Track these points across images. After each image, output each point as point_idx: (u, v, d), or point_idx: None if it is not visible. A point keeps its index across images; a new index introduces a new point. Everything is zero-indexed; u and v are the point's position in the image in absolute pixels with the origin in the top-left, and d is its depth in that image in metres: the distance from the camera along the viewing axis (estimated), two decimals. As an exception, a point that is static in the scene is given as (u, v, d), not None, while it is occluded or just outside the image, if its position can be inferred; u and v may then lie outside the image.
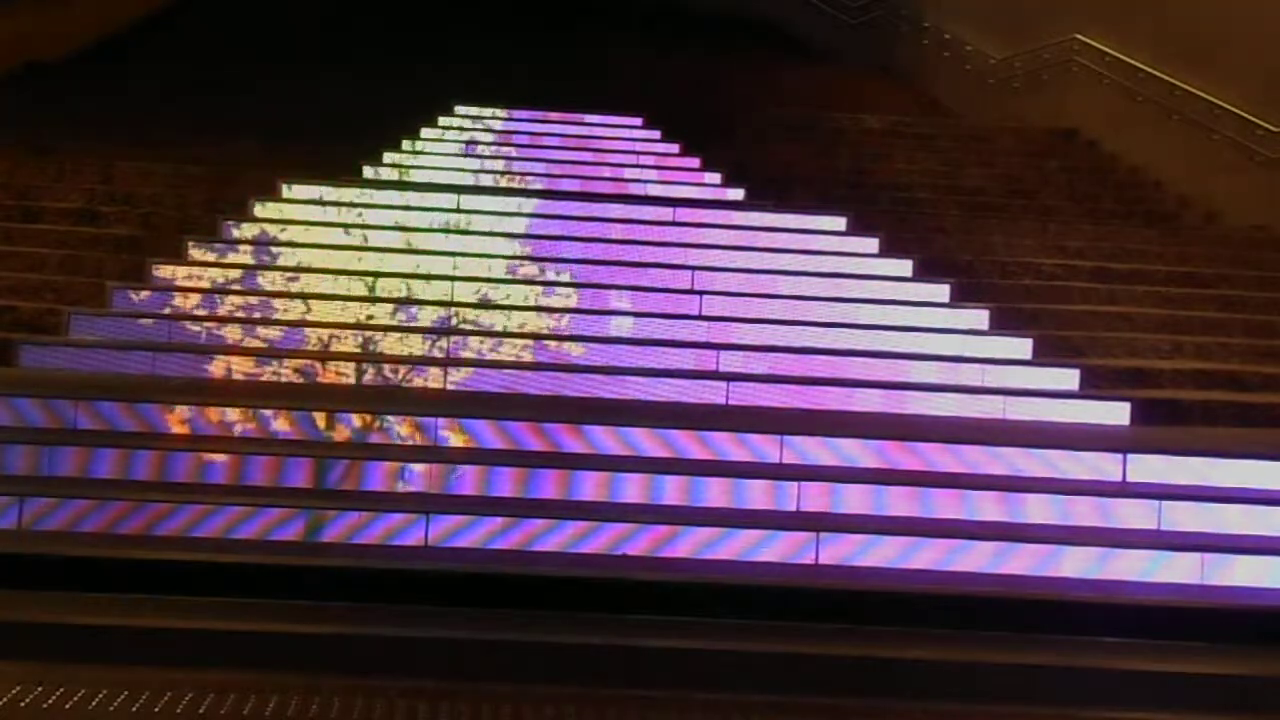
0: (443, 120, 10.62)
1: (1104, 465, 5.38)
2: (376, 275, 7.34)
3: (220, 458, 4.93)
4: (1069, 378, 6.84)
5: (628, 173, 9.70)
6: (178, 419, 5.24)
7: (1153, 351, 7.35)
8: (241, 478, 4.91)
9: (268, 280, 7.24)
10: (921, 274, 8.03)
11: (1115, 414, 6.46)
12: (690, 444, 5.35)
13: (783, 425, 5.54)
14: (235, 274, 7.27)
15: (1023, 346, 7.18)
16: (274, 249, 7.60)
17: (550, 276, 7.61)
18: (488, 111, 10.97)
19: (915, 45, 15.08)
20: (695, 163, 10.04)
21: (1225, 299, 8.23)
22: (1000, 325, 7.47)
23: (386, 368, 6.34)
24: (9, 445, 4.88)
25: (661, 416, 5.61)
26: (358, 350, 6.58)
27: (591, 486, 4.97)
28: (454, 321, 6.96)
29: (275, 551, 4.46)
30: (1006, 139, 11.94)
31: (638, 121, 11.04)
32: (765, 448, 5.35)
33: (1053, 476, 5.34)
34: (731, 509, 4.97)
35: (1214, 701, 4.08)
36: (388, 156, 9.51)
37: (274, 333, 6.62)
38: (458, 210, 8.30)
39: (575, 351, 6.73)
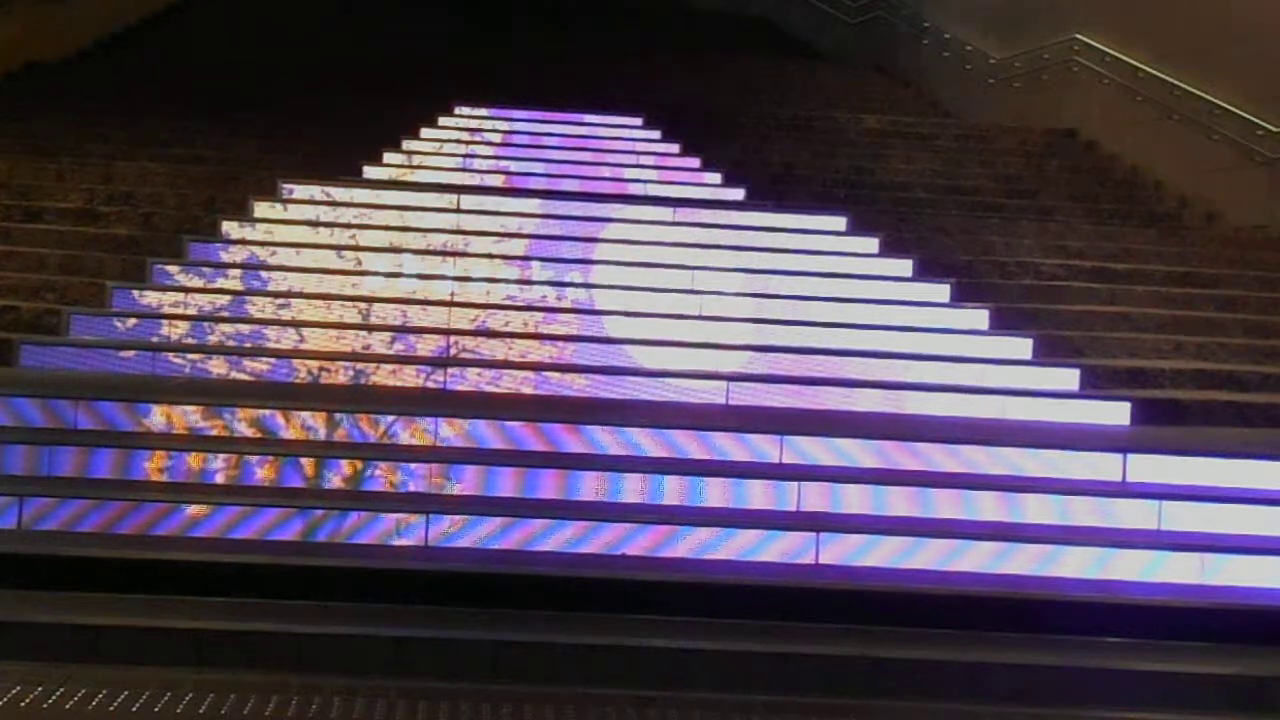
0: (442, 120, 10.62)
1: (1104, 465, 5.38)
2: (375, 275, 7.34)
3: (220, 457, 4.93)
4: (1069, 378, 6.83)
5: (628, 173, 9.69)
6: (177, 419, 5.23)
7: (1153, 351, 7.34)
8: (241, 478, 4.91)
9: (268, 280, 7.24)
10: (921, 274, 8.03)
11: (1115, 414, 6.45)
12: (690, 444, 5.35)
13: (783, 425, 5.54)
14: (235, 274, 7.27)
15: (1023, 346, 7.18)
16: (274, 249, 7.59)
17: (550, 276, 7.61)
18: (487, 111, 10.96)
19: (915, 45, 15.08)
20: (695, 162, 10.04)
21: (1225, 299, 8.22)
22: (1000, 325, 7.47)
23: (386, 367, 6.34)
24: (9, 445, 4.88)
25: (661, 416, 5.61)
26: (358, 350, 6.57)
27: (591, 486, 4.97)
28: (453, 321, 6.95)
29: (275, 551, 4.46)
30: (1006, 139, 11.94)
31: (637, 121, 11.04)
32: (765, 448, 5.35)
33: (1053, 477, 5.34)
34: (731, 509, 4.97)
35: (1214, 701, 4.08)
36: (388, 156, 9.50)
37: (274, 332, 6.62)
38: (457, 210, 8.30)
39: (575, 351, 6.72)
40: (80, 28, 13.14)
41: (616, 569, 4.51)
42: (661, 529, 4.69)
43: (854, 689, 4.03)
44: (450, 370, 6.33)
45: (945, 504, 5.04)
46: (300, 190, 8.43)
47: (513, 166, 9.66)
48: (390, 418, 5.33)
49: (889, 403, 6.39)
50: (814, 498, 5.03)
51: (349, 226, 7.93)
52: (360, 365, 6.32)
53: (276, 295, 7.04)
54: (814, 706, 3.92)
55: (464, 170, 9.51)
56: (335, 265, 7.49)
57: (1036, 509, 5.05)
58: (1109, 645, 4.33)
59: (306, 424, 5.29)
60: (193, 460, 4.92)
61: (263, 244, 7.64)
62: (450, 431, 5.31)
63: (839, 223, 8.72)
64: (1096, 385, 6.80)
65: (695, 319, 7.19)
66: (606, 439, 5.32)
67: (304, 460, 4.94)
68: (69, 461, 4.89)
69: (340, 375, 6.27)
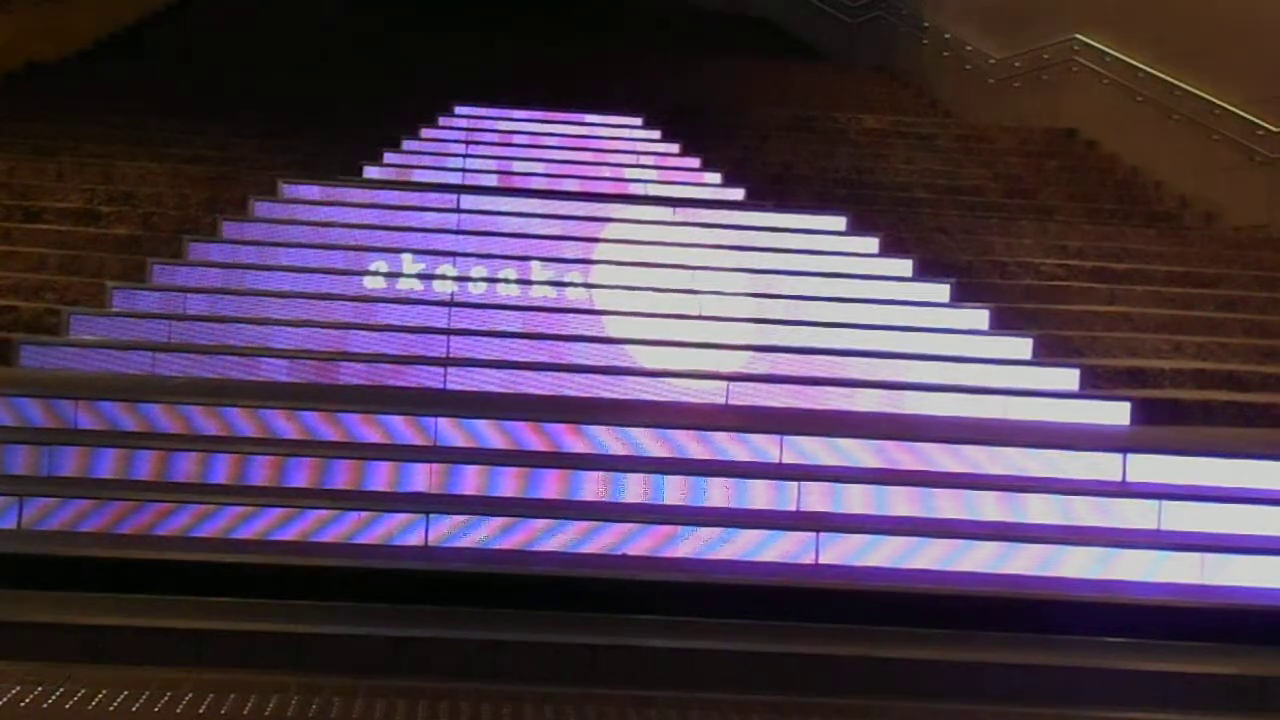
0: (443, 120, 10.62)
1: (1104, 465, 5.38)
2: (375, 275, 7.33)
3: (220, 457, 4.92)
4: (1069, 378, 6.84)
5: (628, 173, 9.69)
6: (178, 418, 5.23)
7: (1153, 351, 7.35)
8: (242, 478, 4.90)
9: (268, 280, 7.23)
10: (921, 274, 8.03)
11: (1115, 414, 6.46)
12: (691, 444, 5.35)
13: (783, 425, 5.54)
14: (235, 274, 7.26)
15: (1023, 346, 7.18)
16: (274, 248, 7.59)
17: (550, 276, 7.60)
18: (488, 111, 10.96)
19: (915, 45, 15.08)
20: (695, 162, 10.04)
21: (1225, 299, 8.23)
22: (1000, 325, 7.47)
23: (386, 367, 6.34)
24: (10, 445, 4.88)
25: (662, 416, 5.61)
26: (358, 350, 6.57)
27: (593, 486, 4.97)
28: (453, 321, 6.95)
29: (276, 551, 4.46)
30: (1006, 139, 11.94)
31: (638, 121, 11.04)
32: (766, 447, 5.35)
33: (1053, 476, 5.34)
34: (732, 509, 4.96)
35: (1214, 701, 4.08)
36: (388, 156, 9.51)
37: (274, 332, 6.62)
38: (457, 210, 8.30)
39: (575, 351, 6.72)
40: (80, 27, 13.14)
41: (617, 569, 4.50)
42: (663, 529, 4.68)
43: (854, 689, 4.03)
44: (450, 370, 6.33)
45: (946, 504, 5.03)
46: (300, 190, 8.43)
47: (513, 166, 9.66)
48: (390, 417, 5.32)
49: (889, 403, 6.39)
50: (815, 498, 5.02)
51: (349, 226, 7.93)
52: (360, 365, 6.31)
53: (277, 295, 7.03)
54: (814, 706, 3.92)
55: (464, 170, 9.51)
56: (335, 265, 7.49)
57: (1037, 509, 5.05)
58: (1109, 645, 4.33)
59: (307, 424, 5.28)
60: (193, 460, 4.91)
61: (263, 244, 7.63)
62: (451, 431, 5.31)
63: (839, 223, 8.73)
64: (1096, 385, 6.80)
65: (695, 319, 7.19)
66: (608, 439, 5.31)
67: (304, 460, 4.93)
68: (70, 461, 4.88)
69: (340, 375, 6.27)
